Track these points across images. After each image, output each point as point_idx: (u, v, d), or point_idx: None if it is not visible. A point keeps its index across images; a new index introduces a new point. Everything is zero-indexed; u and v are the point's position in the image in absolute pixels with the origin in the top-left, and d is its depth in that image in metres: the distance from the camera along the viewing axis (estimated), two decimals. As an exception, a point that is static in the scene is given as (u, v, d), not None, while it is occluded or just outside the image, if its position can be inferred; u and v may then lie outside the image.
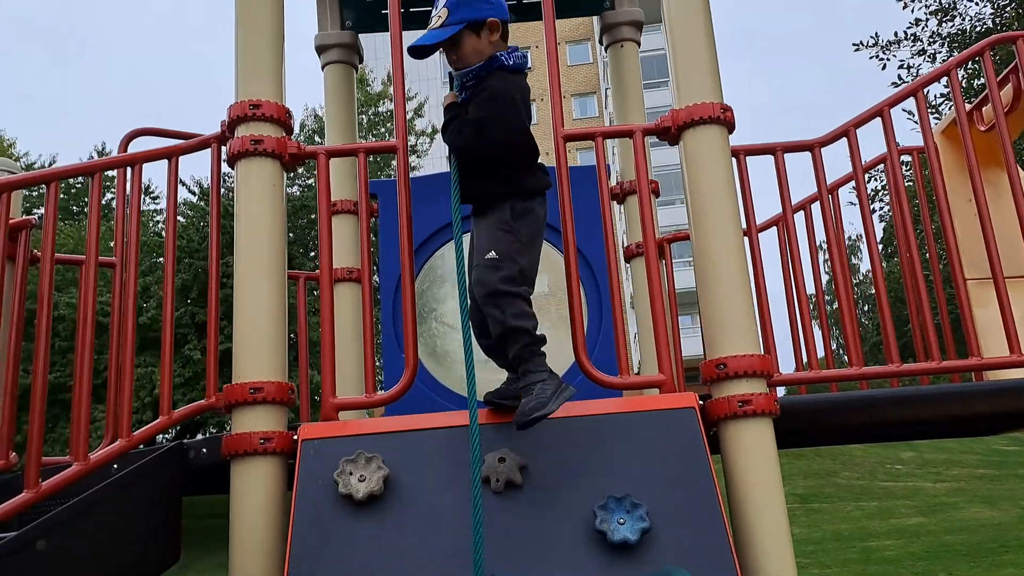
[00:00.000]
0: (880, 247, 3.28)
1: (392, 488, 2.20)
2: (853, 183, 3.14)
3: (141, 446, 2.63)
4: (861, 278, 32.81)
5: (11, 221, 2.66)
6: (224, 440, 2.38)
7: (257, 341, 2.46)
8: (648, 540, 2.07)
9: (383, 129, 21.02)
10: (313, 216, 18.60)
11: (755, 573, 2.21)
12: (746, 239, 2.65)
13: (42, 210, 2.69)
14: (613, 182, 3.92)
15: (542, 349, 2.27)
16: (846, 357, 2.89)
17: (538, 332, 2.28)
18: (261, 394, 2.38)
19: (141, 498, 2.42)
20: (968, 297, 2.87)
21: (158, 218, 19.53)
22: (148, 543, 2.43)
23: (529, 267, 2.35)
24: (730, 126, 2.55)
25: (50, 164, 26.44)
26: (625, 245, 3.89)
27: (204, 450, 2.54)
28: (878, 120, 2.94)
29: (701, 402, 2.36)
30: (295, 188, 18.83)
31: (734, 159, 2.65)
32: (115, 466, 2.55)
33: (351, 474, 2.19)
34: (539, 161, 2.47)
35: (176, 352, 15.21)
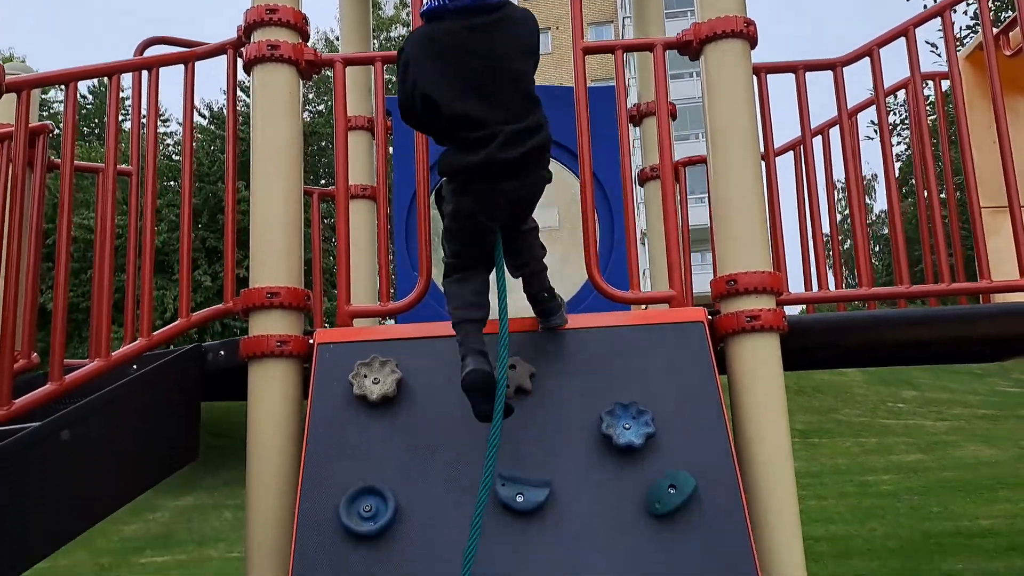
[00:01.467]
0: (897, 181, 3.26)
1: (405, 391, 2.26)
2: (873, 107, 3.11)
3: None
4: (874, 218, 32.67)
5: (30, 125, 2.67)
6: (242, 343, 2.44)
7: (273, 246, 2.49)
8: (652, 445, 2.13)
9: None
10: (324, 143, 18.51)
11: (755, 482, 2.27)
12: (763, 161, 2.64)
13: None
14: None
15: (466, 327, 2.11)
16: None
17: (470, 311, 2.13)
18: (278, 299, 2.42)
19: (160, 396, 2.49)
20: (982, 224, 2.87)
21: (168, 142, 19.52)
22: (167, 439, 2.51)
23: (454, 244, 2.17)
24: (752, 41, 2.51)
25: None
26: (639, 168, 3.87)
27: (222, 352, 2.60)
28: (902, 46, 2.90)
29: (710, 317, 2.40)
30: (305, 114, 18.72)
31: (755, 76, 2.63)
32: (134, 366, 2.62)
33: (366, 376, 2.25)
34: (482, 133, 1.99)
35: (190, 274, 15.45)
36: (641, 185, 3.85)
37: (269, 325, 2.41)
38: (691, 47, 2.54)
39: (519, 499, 2.06)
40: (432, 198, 2.30)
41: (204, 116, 18.51)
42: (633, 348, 2.32)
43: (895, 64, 3.33)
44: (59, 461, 2.16)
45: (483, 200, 2.02)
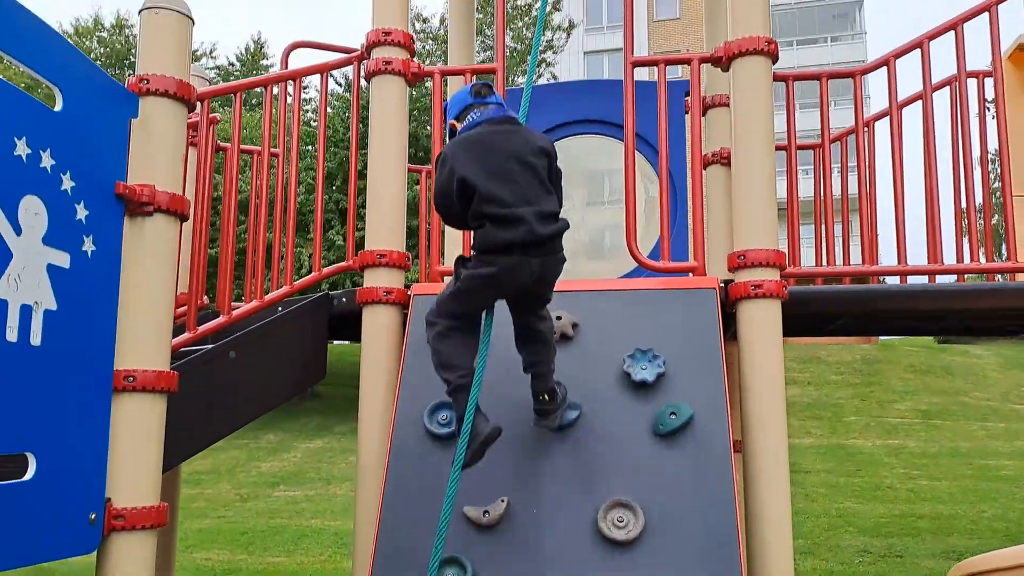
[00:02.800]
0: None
1: (477, 333, 2.96)
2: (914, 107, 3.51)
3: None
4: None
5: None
6: (358, 292, 3.20)
7: (384, 218, 3.23)
8: (661, 382, 2.74)
9: (520, 24, 21.40)
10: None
11: (748, 415, 2.84)
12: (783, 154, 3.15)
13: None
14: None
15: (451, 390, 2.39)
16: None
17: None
18: (386, 259, 3.16)
19: (299, 330, 3.30)
20: (1013, 210, 3.26)
21: (307, 107, 21.07)
22: (303, 362, 3.33)
23: (457, 306, 2.40)
24: (774, 57, 3.01)
25: (210, 51, 28.98)
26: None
27: (344, 299, 3.38)
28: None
29: (723, 286, 2.96)
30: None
31: (783, 83, 3.12)
32: (279, 308, 3.44)
33: (447, 321, 2.96)
34: (511, 211, 2.24)
35: (323, 236, 17.09)
36: (704, 168, 4.37)
37: (378, 279, 3.16)
38: (722, 61, 3.07)
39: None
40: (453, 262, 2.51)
41: (340, 84, 19.83)
42: (657, 307, 2.93)
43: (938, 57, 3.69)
44: (228, 372, 3.00)
45: (510, 271, 2.25)
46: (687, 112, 4.28)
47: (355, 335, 3.33)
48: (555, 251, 2.33)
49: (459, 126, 2.42)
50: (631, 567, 2.45)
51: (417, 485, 2.68)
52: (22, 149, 1.93)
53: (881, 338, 34.03)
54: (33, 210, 1.96)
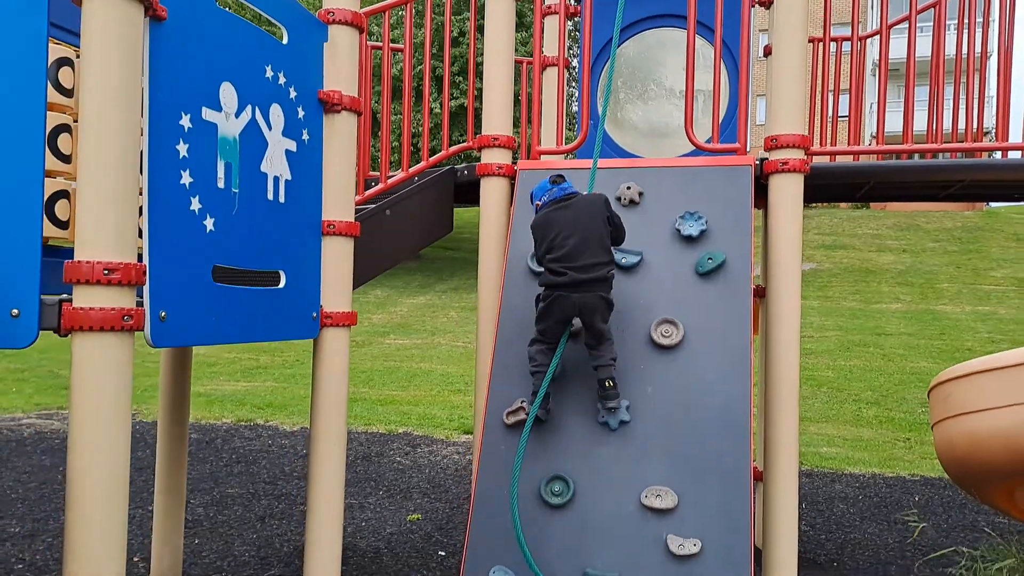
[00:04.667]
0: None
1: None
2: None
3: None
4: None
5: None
6: (477, 167, 4.20)
7: (495, 108, 4.17)
8: (703, 236, 3.68)
9: None
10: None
11: (770, 264, 3.76)
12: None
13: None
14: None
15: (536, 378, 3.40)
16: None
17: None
18: (498, 141, 4.13)
19: (433, 195, 4.36)
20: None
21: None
22: (436, 219, 4.41)
23: (537, 323, 3.42)
24: (811, -26, 3.71)
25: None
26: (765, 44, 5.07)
27: (466, 172, 4.40)
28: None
29: (758, 163, 3.81)
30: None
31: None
32: (416, 178, 4.49)
33: (545, 188, 3.95)
34: (559, 266, 3.29)
35: (419, 104, 18.09)
36: (765, 57, 5.06)
37: (493, 157, 4.14)
38: (768, -21, 3.78)
39: (623, 260, 3.73)
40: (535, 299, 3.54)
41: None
42: (705, 179, 3.83)
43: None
44: (384, 225, 4.10)
45: (557, 301, 3.28)
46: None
47: (474, 200, 4.36)
48: (592, 290, 3.27)
49: (539, 205, 3.48)
50: (672, 363, 3.50)
51: (522, 302, 3.75)
52: (269, 72, 2.96)
53: (988, 205, 33.00)
54: (277, 114, 3.01)
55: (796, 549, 3.68)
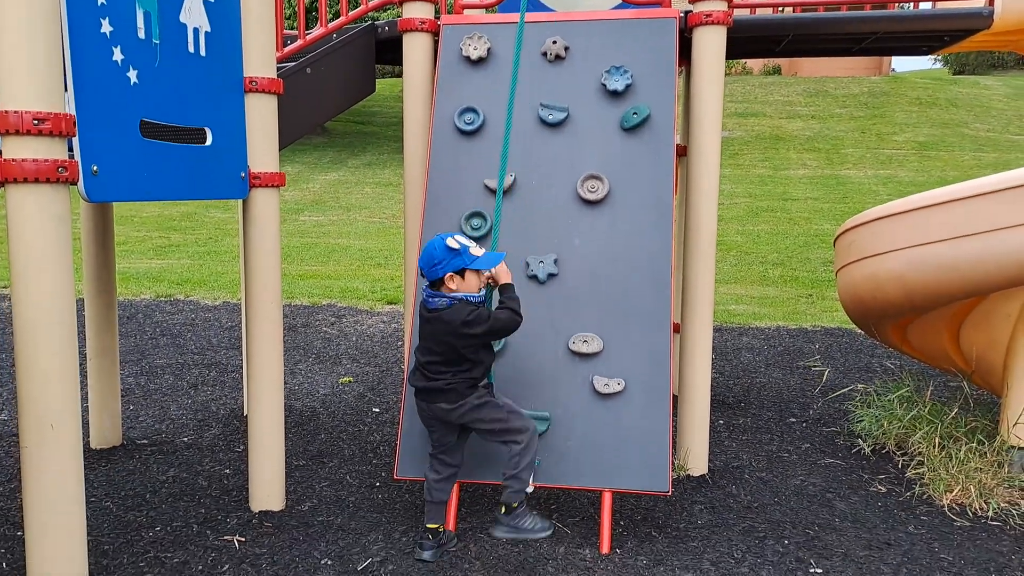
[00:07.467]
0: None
1: (492, 55, 3.91)
2: None
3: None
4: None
5: None
6: (399, 22, 4.09)
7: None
8: (629, 91, 3.74)
9: None
10: None
11: (693, 118, 3.87)
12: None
13: None
14: None
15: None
16: None
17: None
18: (420, -5, 4.03)
19: (353, 52, 4.25)
20: None
21: None
22: (357, 78, 4.32)
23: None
24: None
25: None
26: None
27: (387, 28, 4.29)
28: None
29: (683, 15, 3.85)
30: None
31: None
32: (334, 35, 4.36)
33: (470, 44, 3.90)
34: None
35: None
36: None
37: (415, 11, 4.04)
38: None
39: (549, 117, 3.77)
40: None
41: None
42: (631, 32, 3.85)
43: None
44: (305, 83, 4.00)
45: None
46: None
47: (396, 60, 4.27)
48: (435, 401, 3.09)
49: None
50: (599, 217, 3.63)
51: (451, 164, 3.79)
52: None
53: (893, 70, 33.89)
54: (190, -39, 2.86)
55: (708, 392, 3.98)
